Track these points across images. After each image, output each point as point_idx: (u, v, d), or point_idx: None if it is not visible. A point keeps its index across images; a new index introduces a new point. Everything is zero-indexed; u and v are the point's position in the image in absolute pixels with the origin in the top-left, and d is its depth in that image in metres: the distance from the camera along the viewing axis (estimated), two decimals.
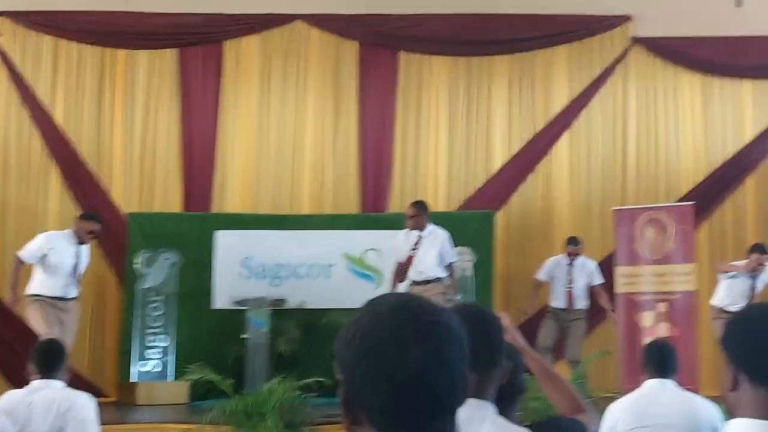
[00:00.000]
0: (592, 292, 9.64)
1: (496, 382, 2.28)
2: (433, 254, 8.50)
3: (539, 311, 9.87)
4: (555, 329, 9.44)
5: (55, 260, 8.06)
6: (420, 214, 8.58)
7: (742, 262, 9.09)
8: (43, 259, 8.06)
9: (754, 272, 8.88)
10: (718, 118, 10.99)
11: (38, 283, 8.04)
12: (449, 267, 8.63)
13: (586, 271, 9.62)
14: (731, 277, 8.91)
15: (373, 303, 1.39)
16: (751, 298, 8.83)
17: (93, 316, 9.89)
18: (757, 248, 9.09)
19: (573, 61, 11.02)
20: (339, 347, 1.37)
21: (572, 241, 9.73)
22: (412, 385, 1.31)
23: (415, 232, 8.59)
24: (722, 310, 8.85)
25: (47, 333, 7.45)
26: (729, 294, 8.94)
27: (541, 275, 9.71)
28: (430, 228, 8.64)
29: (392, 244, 8.80)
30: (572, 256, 9.59)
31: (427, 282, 8.51)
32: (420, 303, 1.38)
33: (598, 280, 9.63)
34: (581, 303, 9.53)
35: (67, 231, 8.33)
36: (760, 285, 8.98)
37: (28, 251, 8.09)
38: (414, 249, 8.53)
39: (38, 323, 7.86)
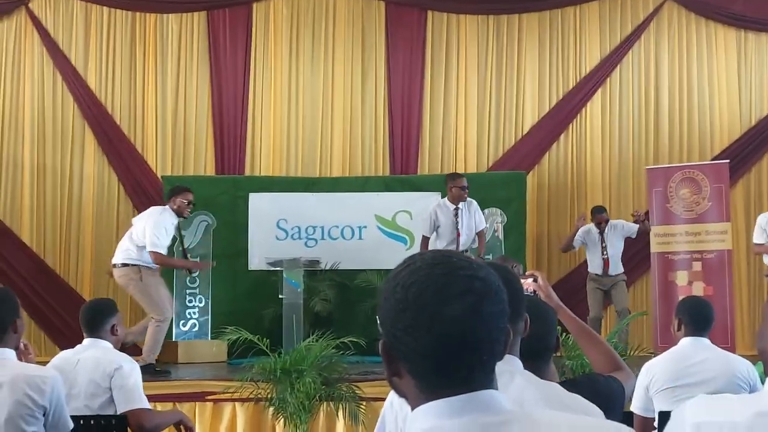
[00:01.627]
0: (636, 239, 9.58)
1: (520, 334, 2.30)
2: (472, 225, 8.56)
3: (574, 271, 9.89)
4: (601, 297, 9.37)
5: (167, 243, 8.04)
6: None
7: None
8: None
9: None
10: (753, 74, 10.82)
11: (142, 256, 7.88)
12: (480, 233, 8.68)
13: (620, 233, 9.53)
14: None
15: (413, 259, 1.41)
16: None
17: None
18: None
19: (604, 17, 10.88)
20: (380, 301, 1.40)
21: (596, 210, 9.61)
22: (452, 338, 1.33)
23: (451, 205, 8.56)
24: None
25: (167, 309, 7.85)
26: None
27: (575, 243, 9.62)
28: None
29: (429, 213, 8.70)
30: (600, 224, 9.50)
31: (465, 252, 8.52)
32: (459, 258, 1.40)
33: (634, 230, 9.53)
34: (618, 267, 9.44)
35: (167, 207, 8.05)
36: None
37: (159, 246, 7.82)
38: (458, 222, 8.52)
39: (165, 296, 7.97)
